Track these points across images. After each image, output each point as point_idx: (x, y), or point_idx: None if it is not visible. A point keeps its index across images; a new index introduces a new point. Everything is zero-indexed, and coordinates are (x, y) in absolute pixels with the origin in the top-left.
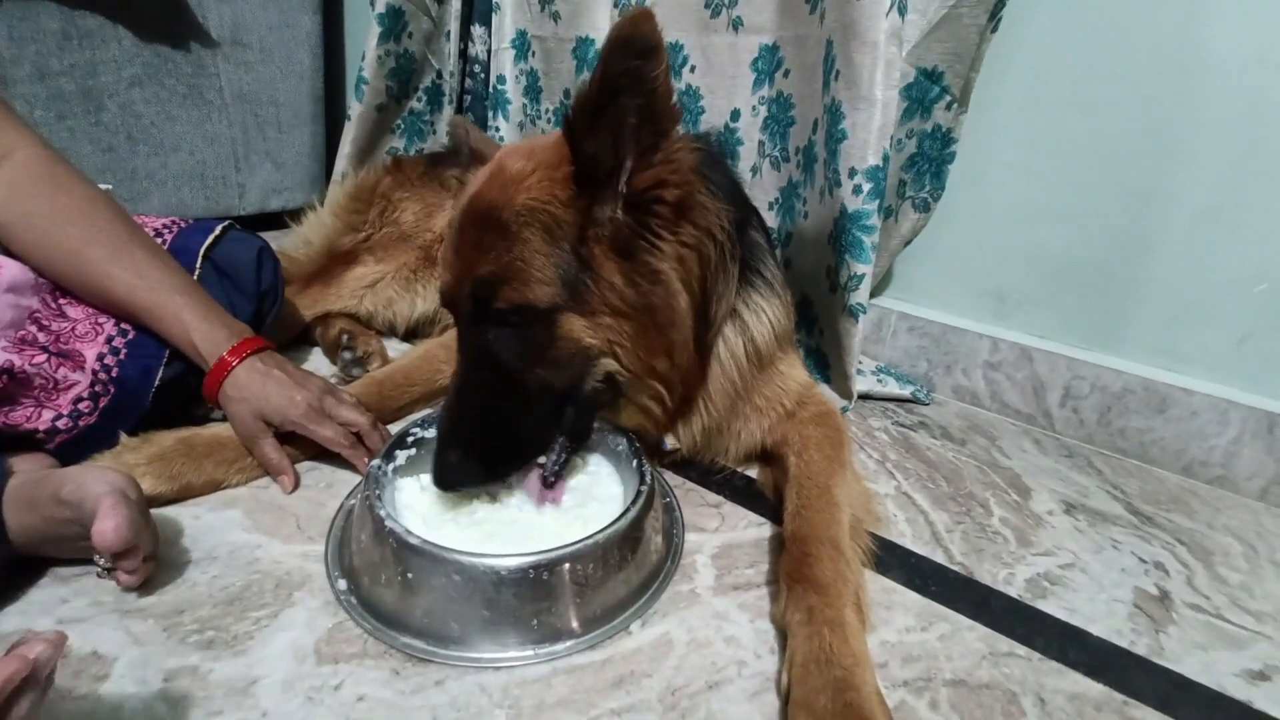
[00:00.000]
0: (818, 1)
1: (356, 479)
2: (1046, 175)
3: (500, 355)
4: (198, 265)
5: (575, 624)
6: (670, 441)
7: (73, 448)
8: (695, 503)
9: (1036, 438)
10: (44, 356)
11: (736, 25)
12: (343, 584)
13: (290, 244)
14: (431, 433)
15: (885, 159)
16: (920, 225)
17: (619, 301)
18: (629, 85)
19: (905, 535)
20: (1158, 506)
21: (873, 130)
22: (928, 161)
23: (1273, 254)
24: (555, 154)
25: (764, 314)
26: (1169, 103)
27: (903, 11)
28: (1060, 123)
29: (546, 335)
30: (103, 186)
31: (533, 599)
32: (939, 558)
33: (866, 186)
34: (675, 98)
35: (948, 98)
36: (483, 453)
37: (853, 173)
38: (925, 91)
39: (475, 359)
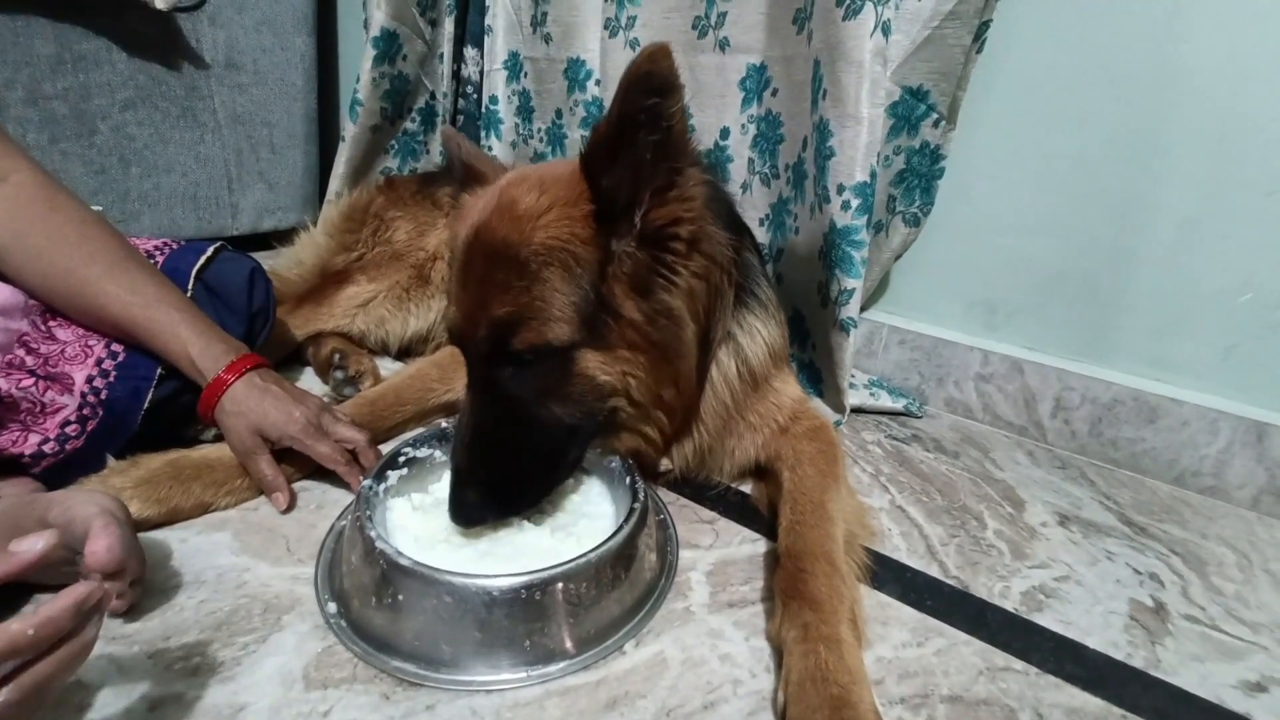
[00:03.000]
0: (804, 22)
1: (347, 500)
2: (1033, 189)
3: (514, 392)
4: (189, 286)
5: (569, 644)
6: (664, 463)
7: (59, 471)
8: (689, 519)
9: (1029, 449)
10: (31, 380)
11: (724, 46)
12: (333, 607)
13: (283, 264)
14: (424, 451)
15: (873, 175)
16: (910, 240)
17: (636, 337)
18: (646, 122)
19: (900, 549)
20: (1151, 517)
21: (860, 147)
22: (917, 177)
23: (1256, 264)
24: (571, 189)
25: (758, 334)
26: (1151, 116)
27: (886, 32)
28: (1046, 137)
29: (563, 372)
30: (94, 208)
31: (525, 620)
32: (934, 571)
33: (855, 202)
34: (691, 133)
35: (935, 115)
36: (500, 489)
37: (841, 189)
38: (912, 109)
39: (488, 395)
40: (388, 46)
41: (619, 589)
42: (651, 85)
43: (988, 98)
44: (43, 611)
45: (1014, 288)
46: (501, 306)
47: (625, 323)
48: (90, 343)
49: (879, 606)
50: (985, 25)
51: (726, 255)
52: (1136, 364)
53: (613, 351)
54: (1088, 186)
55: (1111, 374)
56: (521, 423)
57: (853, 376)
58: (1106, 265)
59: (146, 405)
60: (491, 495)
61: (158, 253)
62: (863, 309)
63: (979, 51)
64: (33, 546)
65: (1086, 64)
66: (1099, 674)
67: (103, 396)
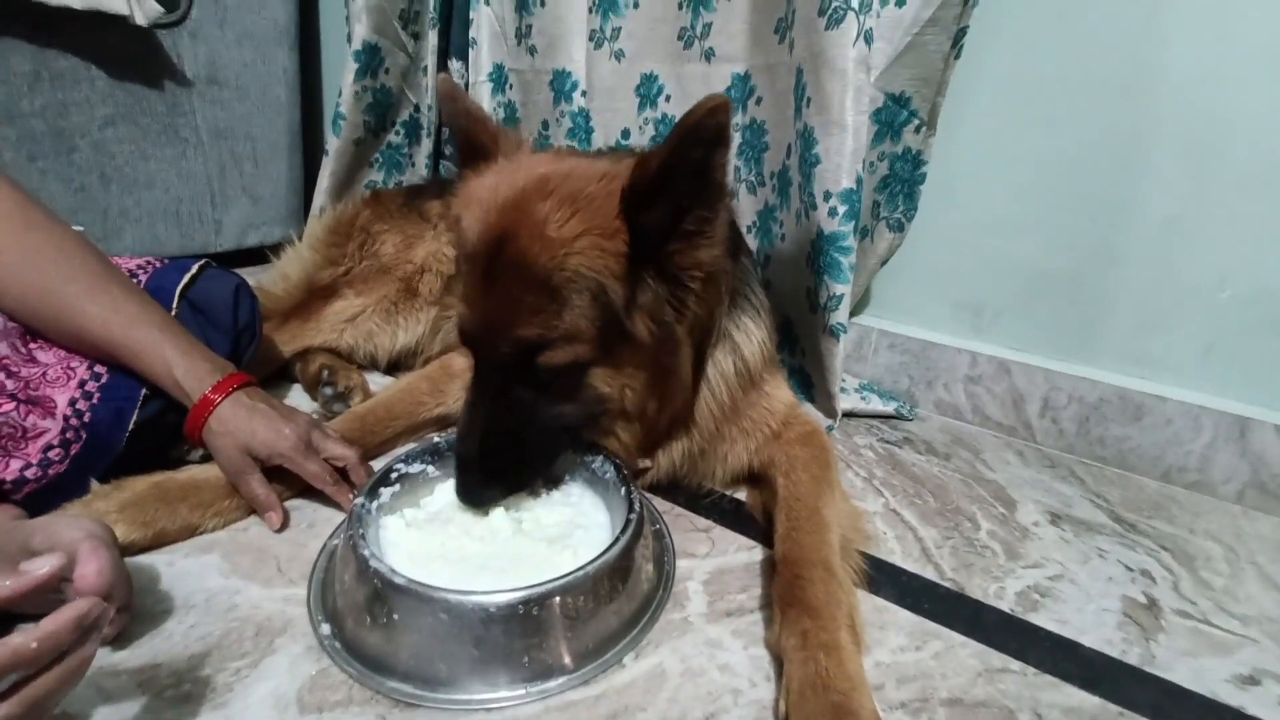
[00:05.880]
0: (785, 31)
1: (339, 519)
2: (1015, 191)
3: (527, 399)
4: (174, 305)
5: (567, 659)
6: (644, 462)
7: (42, 497)
8: (685, 528)
9: (1019, 449)
10: (12, 405)
11: (709, 56)
12: (326, 628)
13: (268, 279)
14: (416, 467)
15: (859, 182)
16: (896, 245)
17: (644, 359)
18: (692, 170)
19: (895, 553)
20: (1140, 513)
21: (845, 154)
22: (900, 183)
23: (1234, 262)
24: (606, 218)
25: (753, 335)
26: (1130, 117)
27: (869, 40)
28: (1026, 140)
29: (574, 384)
30: (75, 229)
31: (523, 635)
32: (929, 574)
33: (841, 209)
34: (727, 178)
35: (916, 121)
36: (503, 473)
37: (828, 196)
38: (894, 116)
39: (498, 395)
40: (370, 59)
41: (617, 601)
42: (704, 137)
43: (969, 103)
44: (45, 625)
45: (999, 289)
46: (530, 329)
47: (637, 345)
48: (72, 364)
49: (876, 611)
50: (963, 32)
51: (730, 277)
52: (1121, 362)
53: (621, 369)
54: (1069, 187)
55: (1097, 373)
56: (530, 422)
57: (843, 381)
58: (1089, 265)
59: (131, 427)
60: (499, 478)
61: (141, 271)
62: (852, 314)
63: (957, 58)
64: (42, 566)
65: (1065, 68)
66: (1095, 672)
67: (86, 419)
